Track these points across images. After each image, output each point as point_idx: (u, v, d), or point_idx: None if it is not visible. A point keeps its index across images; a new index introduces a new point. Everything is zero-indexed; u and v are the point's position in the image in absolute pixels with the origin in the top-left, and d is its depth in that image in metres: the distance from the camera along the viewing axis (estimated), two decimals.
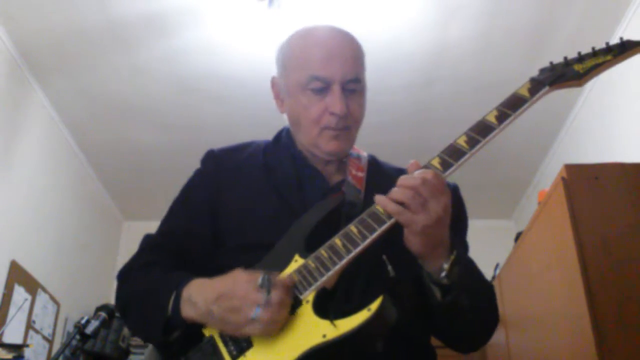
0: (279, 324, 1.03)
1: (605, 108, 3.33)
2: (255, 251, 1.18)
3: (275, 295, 1.02)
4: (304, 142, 1.33)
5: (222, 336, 1.10)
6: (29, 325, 3.54)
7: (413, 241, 1.07)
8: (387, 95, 3.63)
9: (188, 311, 1.11)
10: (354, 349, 1.02)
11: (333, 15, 3.13)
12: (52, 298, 3.90)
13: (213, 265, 1.25)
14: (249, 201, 1.28)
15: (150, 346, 1.28)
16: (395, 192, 1.05)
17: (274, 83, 1.38)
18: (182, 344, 1.13)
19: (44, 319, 3.77)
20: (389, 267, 1.11)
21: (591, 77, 1.19)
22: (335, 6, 3.09)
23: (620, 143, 3.14)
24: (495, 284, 3.15)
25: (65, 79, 3.64)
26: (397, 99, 3.68)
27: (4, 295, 3.27)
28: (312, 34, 1.32)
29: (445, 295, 1.10)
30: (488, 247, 4.53)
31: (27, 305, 3.51)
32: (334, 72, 1.24)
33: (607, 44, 1.21)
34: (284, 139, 1.39)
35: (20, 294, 3.44)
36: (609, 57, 1.19)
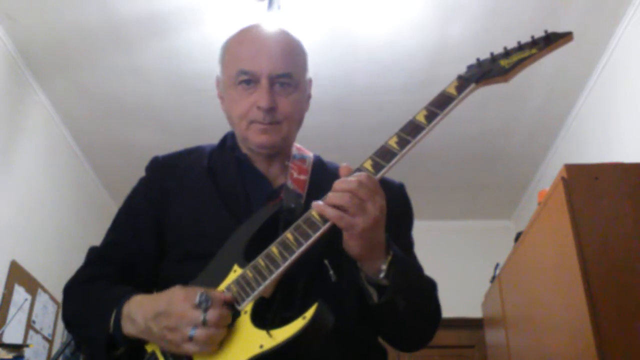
0: (217, 343, 1.02)
1: (606, 108, 3.33)
2: (197, 261, 1.16)
3: (213, 314, 1.01)
4: (238, 138, 1.33)
5: (164, 352, 1.09)
6: (29, 325, 3.54)
7: (352, 244, 1.06)
8: (387, 94, 3.62)
9: (129, 328, 1.10)
10: (297, 355, 1.00)
11: (332, 15, 3.13)
12: (52, 298, 3.89)
13: (157, 276, 1.25)
14: (192, 209, 1.27)
15: None
16: (333, 196, 1.04)
17: (217, 82, 1.37)
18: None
19: (44, 319, 3.77)
20: (331, 272, 1.10)
21: (517, 72, 1.18)
22: (335, 6, 3.09)
23: (620, 143, 3.14)
24: (495, 284, 3.15)
25: (65, 79, 3.64)
26: (397, 98, 3.67)
27: (4, 295, 3.27)
28: (246, 32, 1.33)
29: (382, 297, 1.09)
30: (488, 247, 4.56)
31: (27, 305, 3.51)
32: (261, 66, 1.24)
33: (532, 37, 1.20)
34: (228, 142, 1.38)
35: (20, 294, 3.43)
36: (534, 51, 1.18)
